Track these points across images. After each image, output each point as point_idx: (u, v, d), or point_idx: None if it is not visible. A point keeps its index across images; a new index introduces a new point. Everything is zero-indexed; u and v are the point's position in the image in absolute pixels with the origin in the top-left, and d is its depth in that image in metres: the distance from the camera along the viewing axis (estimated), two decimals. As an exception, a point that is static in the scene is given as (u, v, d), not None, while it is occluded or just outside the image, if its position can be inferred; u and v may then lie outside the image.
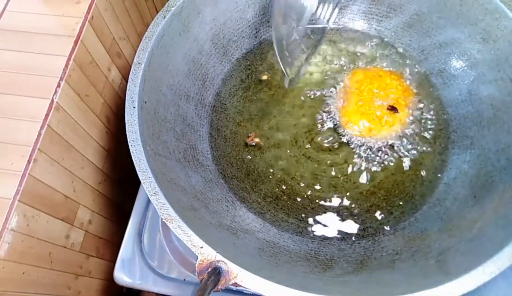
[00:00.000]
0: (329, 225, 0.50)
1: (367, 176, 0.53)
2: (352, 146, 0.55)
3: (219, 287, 0.34)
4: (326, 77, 0.61)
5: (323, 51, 0.63)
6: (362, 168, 0.53)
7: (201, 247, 0.36)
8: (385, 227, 0.50)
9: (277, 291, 0.35)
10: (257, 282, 0.35)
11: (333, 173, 0.53)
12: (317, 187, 0.53)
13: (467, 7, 0.54)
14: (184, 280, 0.52)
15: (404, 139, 0.55)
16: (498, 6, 0.51)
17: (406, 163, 0.54)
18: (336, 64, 0.62)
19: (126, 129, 0.43)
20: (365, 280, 0.43)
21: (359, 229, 0.50)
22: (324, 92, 0.59)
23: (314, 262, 0.46)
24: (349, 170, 0.54)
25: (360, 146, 0.55)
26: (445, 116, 0.57)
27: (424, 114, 0.57)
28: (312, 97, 0.59)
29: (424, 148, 0.54)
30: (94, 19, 0.53)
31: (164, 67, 0.51)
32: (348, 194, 0.52)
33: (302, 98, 0.59)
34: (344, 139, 0.55)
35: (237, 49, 0.62)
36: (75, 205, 0.54)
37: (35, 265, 0.46)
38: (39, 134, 0.45)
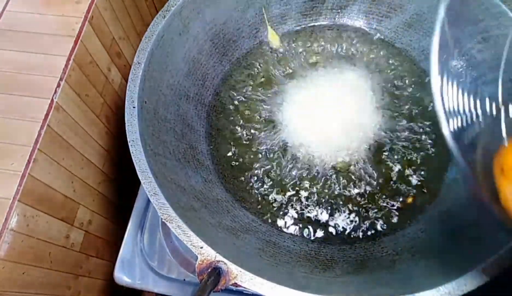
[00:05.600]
0: (329, 225, 0.50)
1: (369, 176, 0.53)
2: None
3: (219, 287, 0.34)
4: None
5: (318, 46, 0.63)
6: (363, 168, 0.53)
7: (201, 247, 0.36)
8: (385, 227, 0.50)
9: (277, 292, 0.35)
10: (257, 282, 0.35)
11: (334, 173, 0.53)
12: (318, 187, 0.53)
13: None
14: (184, 280, 0.51)
15: (405, 140, 0.55)
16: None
17: (407, 163, 0.54)
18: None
19: (126, 129, 0.43)
20: (365, 281, 0.43)
21: (359, 230, 0.50)
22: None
23: (314, 262, 0.46)
24: (351, 171, 0.53)
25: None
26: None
27: (425, 114, 0.57)
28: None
29: (425, 148, 0.54)
30: (94, 19, 0.53)
31: (164, 67, 0.51)
32: (348, 194, 0.52)
33: (302, 98, 0.59)
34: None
35: (237, 49, 0.62)
36: (75, 205, 0.54)
37: (35, 265, 0.46)
38: (39, 134, 0.45)
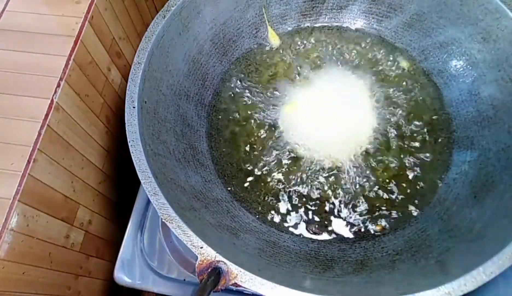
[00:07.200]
0: (329, 225, 0.50)
1: (368, 177, 0.53)
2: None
3: (219, 287, 0.34)
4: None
5: (321, 49, 0.63)
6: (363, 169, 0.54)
7: (201, 247, 0.36)
8: (385, 227, 0.50)
9: (277, 292, 0.35)
10: (257, 282, 0.35)
11: (334, 173, 0.53)
12: (318, 188, 0.53)
13: (468, 7, 0.54)
14: (184, 280, 0.51)
15: (405, 140, 0.55)
16: (498, 6, 0.51)
17: (407, 163, 0.54)
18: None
19: (126, 129, 0.43)
20: (365, 280, 0.43)
21: (359, 229, 0.50)
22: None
23: (314, 262, 0.46)
24: (350, 170, 0.53)
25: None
26: (445, 117, 0.57)
27: (425, 114, 0.57)
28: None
29: (425, 148, 0.54)
30: (94, 19, 0.53)
31: (164, 67, 0.51)
32: (349, 194, 0.52)
33: (302, 98, 0.59)
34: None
35: (237, 49, 0.62)
36: (75, 205, 0.54)
37: (35, 265, 0.46)
38: (39, 134, 0.45)
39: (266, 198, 0.53)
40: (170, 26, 0.51)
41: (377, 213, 0.51)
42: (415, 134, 0.55)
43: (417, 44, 0.61)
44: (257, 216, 0.51)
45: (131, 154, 0.41)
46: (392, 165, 0.54)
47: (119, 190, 0.67)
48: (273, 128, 0.57)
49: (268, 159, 0.55)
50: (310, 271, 0.44)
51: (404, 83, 0.60)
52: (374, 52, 0.62)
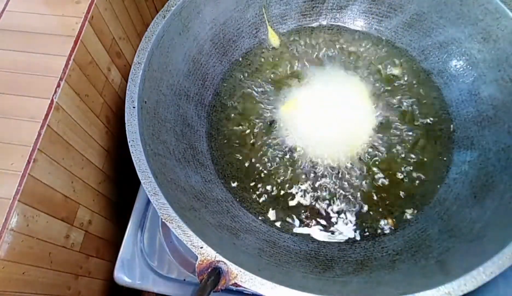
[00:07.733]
0: (329, 225, 0.50)
1: (368, 177, 0.53)
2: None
3: (219, 287, 0.34)
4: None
5: (320, 49, 0.63)
6: (363, 169, 0.53)
7: (201, 247, 0.36)
8: (385, 227, 0.50)
9: (277, 292, 0.35)
10: (257, 282, 0.35)
11: (334, 173, 0.53)
12: (317, 188, 0.53)
13: (467, 7, 0.54)
14: (184, 280, 0.52)
15: (405, 140, 0.55)
16: (498, 6, 0.51)
17: (407, 163, 0.54)
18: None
19: (126, 129, 0.43)
20: (365, 280, 0.43)
21: (359, 229, 0.50)
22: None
23: (314, 262, 0.46)
24: (350, 170, 0.53)
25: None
26: (445, 117, 0.57)
27: (425, 114, 0.57)
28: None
29: (425, 148, 0.54)
30: (94, 19, 0.53)
31: (164, 67, 0.51)
32: (349, 194, 0.52)
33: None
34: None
35: (237, 49, 0.62)
36: (75, 205, 0.54)
37: (35, 265, 0.46)
38: (39, 134, 0.45)
39: (266, 198, 0.53)
40: (170, 26, 0.51)
41: (377, 213, 0.51)
42: (415, 134, 0.55)
43: (417, 44, 0.61)
44: (257, 216, 0.51)
45: (131, 154, 0.41)
46: (392, 165, 0.54)
47: (119, 190, 0.67)
48: (273, 129, 0.57)
49: (268, 158, 0.55)
50: (310, 271, 0.44)
51: (404, 83, 0.60)
52: (374, 52, 0.62)
